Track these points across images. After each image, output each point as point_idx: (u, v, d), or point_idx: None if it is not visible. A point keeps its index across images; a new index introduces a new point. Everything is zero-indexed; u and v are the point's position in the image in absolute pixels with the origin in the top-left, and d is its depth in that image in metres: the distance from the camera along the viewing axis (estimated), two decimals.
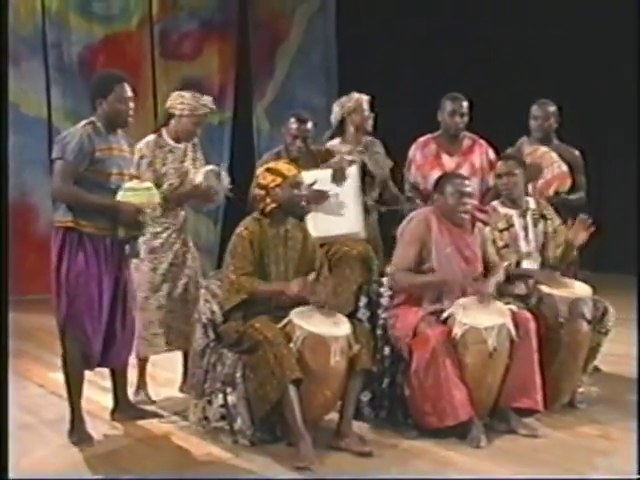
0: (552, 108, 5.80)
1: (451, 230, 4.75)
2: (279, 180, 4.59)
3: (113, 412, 4.98)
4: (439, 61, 10.06)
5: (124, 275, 4.72)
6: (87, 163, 4.50)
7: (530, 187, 5.36)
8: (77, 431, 4.59)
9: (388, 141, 5.70)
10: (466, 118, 5.53)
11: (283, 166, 4.69)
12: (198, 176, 5.15)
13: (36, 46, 9.76)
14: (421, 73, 10.07)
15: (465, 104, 5.51)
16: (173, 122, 5.27)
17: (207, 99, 5.32)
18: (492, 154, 5.58)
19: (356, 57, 11.07)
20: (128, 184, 4.53)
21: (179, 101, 5.25)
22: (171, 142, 5.27)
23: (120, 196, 4.49)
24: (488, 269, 4.84)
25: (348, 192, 5.23)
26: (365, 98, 5.55)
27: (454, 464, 4.19)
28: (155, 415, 5.00)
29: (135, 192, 4.51)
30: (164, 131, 5.30)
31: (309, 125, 5.34)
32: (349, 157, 5.33)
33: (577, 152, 5.79)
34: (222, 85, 10.90)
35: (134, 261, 4.98)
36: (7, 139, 3.62)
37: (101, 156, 4.54)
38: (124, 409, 4.97)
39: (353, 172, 5.28)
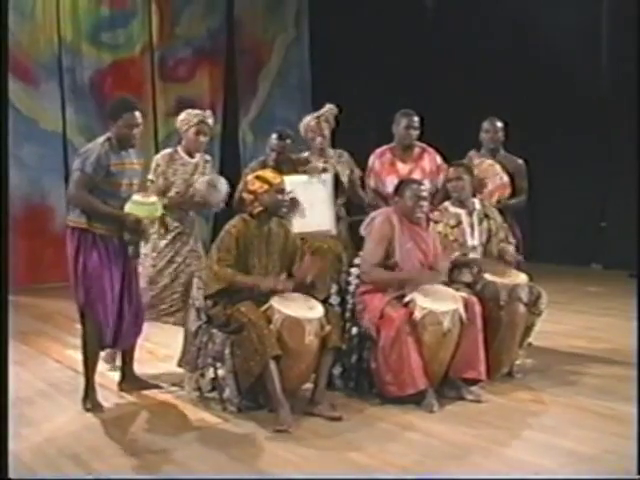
0: (499, 124, 5.77)
1: (410, 228, 4.74)
2: (266, 187, 4.55)
3: (120, 383, 4.95)
4: (400, 83, 10.06)
5: (130, 269, 4.68)
6: (102, 175, 4.46)
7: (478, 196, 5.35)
8: (90, 400, 4.58)
9: (353, 151, 5.68)
10: (418, 131, 5.50)
11: (269, 174, 4.65)
12: (197, 186, 5.11)
13: (53, 71, 9.66)
14: (384, 92, 10.06)
15: (416, 119, 5.47)
16: (183, 139, 5.28)
17: (198, 111, 5.31)
18: (439, 159, 5.56)
19: (327, 79, 11.05)
20: (136, 197, 4.49)
21: (180, 120, 5.28)
22: (185, 157, 5.25)
23: (127, 207, 4.46)
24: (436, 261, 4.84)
25: (322, 195, 5.23)
26: (311, 120, 5.40)
27: (412, 426, 4.19)
28: (155, 386, 4.98)
29: (140, 206, 4.47)
30: (179, 148, 5.29)
31: (287, 141, 5.34)
32: (322, 165, 5.33)
33: (520, 161, 5.77)
34: (212, 103, 10.81)
35: (142, 254, 5.01)
36: (7, 139, 3.56)
37: (114, 170, 4.51)
38: (130, 381, 4.95)
39: (328, 179, 5.27)
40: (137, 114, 4.60)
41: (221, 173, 10.57)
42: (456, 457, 3.76)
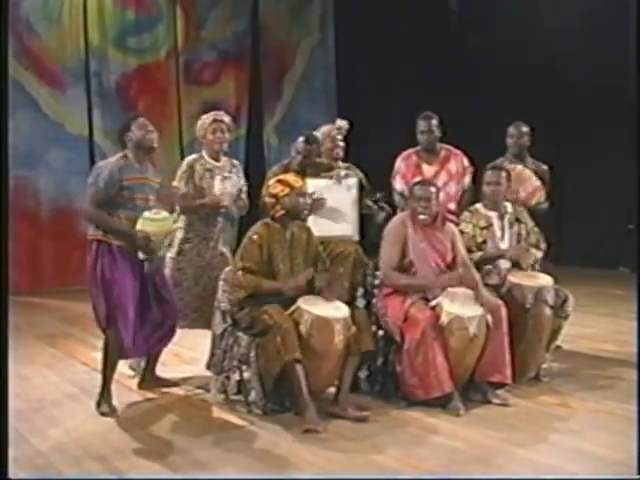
0: (525, 128, 5.76)
1: (423, 228, 4.76)
2: (287, 190, 4.58)
3: (141, 383, 5.05)
4: (426, 85, 10.05)
5: (152, 279, 4.69)
6: (115, 190, 4.51)
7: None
8: (105, 403, 4.62)
9: (377, 153, 5.68)
10: (437, 133, 5.48)
11: (291, 178, 4.68)
12: (214, 191, 5.14)
13: (80, 75, 9.75)
14: (409, 95, 10.06)
15: (434, 122, 5.46)
16: (205, 144, 5.31)
17: (211, 113, 5.35)
18: (466, 161, 5.56)
19: (352, 82, 11.07)
20: (146, 214, 4.49)
21: (198, 127, 5.33)
22: (211, 161, 5.26)
23: (139, 224, 4.46)
24: (456, 262, 4.80)
25: (346, 200, 5.22)
26: (332, 129, 5.44)
27: (437, 429, 4.19)
28: (174, 385, 5.06)
29: (150, 222, 4.46)
30: (204, 152, 5.31)
31: (314, 146, 5.33)
32: (345, 171, 5.33)
33: (545, 167, 5.77)
34: (237, 106, 10.90)
35: (169, 257, 5.13)
36: (7, 138, 3.60)
37: (130, 184, 4.55)
38: (150, 380, 5.04)
39: (353, 183, 5.26)
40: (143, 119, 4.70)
41: (246, 176, 10.70)
42: (481, 460, 3.75)
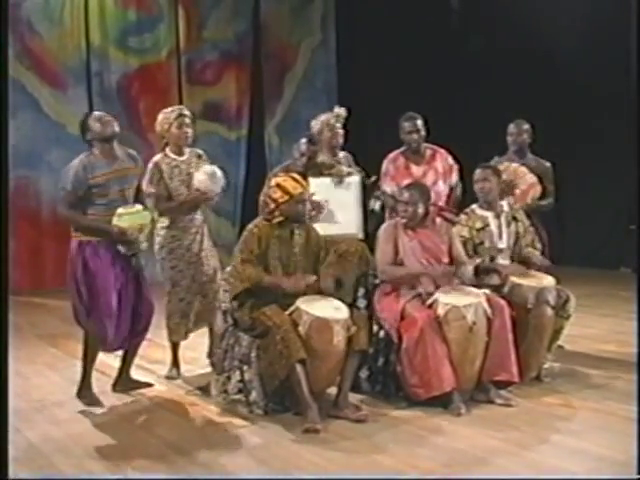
0: (525, 126, 5.78)
1: (414, 227, 4.81)
2: (286, 197, 4.55)
3: (115, 385, 5.01)
4: (424, 86, 10.04)
5: (134, 274, 4.73)
6: (84, 189, 4.54)
7: (507, 199, 5.31)
8: (86, 395, 4.69)
9: (377, 153, 5.68)
10: (422, 133, 5.48)
11: (290, 184, 4.60)
12: (197, 177, 5.08)
13: (81, 75, 9.74)
14: (409, 95, 10.04)
15: (419, 122, 5.46)
16: (168, 140, 5.23)
17: (171, 108, 5.32)
18: (451, 160, 5.58)
19: (353, 82, 11.06)
20: (119, 210, 4.55)
21: (158, 123, 5.23)
22: (175, 157, 5.20)
23: (114, 220, 4.52)
24: (454, 262, 4.83)
25: (350, 198, 5.23)
26: (331, 117, 5.46)
27: (438, 429, 4.19)
28: (148, 385, 5.06)
29: (123, 217, 4.53)
30: (167, 150, 5.24)
31: (317, 146, 5.33)
32: (347, 169, 5.33)
33: (548, 164, 5.79)
34: (239, 106, 10.90)
35: (159, 260, 5.16)
36: (8, 138, 3.63)
37: (100, 181, 4.56)
38: (124, 382, 5.00)
39: (355, 182, 5.26)
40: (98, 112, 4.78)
41: (247, 176, 10.76)
42: (483, 461, 3.74)
